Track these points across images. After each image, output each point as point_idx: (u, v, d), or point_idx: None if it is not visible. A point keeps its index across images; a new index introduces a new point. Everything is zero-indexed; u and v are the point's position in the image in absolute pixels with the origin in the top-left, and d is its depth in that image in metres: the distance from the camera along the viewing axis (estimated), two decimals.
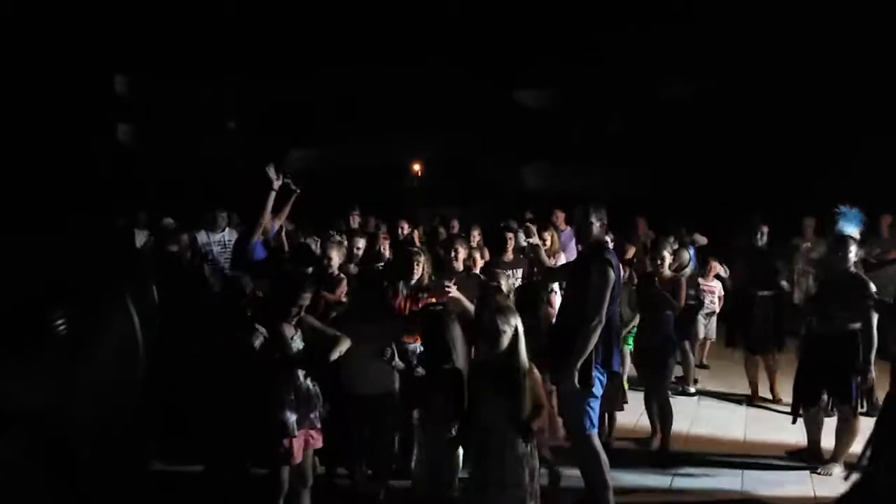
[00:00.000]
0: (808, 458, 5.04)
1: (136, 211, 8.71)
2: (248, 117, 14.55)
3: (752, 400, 6.39)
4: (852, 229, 5.31)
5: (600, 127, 14.60)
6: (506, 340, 3.26)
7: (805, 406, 4.97)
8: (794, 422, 5.13)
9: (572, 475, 4.25)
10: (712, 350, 7.60)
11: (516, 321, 3.29)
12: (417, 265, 4.69)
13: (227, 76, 12.99)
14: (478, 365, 3.57)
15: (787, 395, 5.62)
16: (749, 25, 12.19)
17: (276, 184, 4.95)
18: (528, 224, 5.21)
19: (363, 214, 8.74)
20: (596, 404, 3.99)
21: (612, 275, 3.87)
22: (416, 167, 17.76)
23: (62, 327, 2.90)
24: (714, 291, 7.17)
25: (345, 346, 3.64)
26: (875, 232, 7.85)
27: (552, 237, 6.83)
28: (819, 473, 4.83)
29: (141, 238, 6.69)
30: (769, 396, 6.39)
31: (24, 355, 2.80)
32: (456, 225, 8.76)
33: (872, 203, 8.21)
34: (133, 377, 3.07)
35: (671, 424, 5.14)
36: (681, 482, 4.71)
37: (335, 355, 3.60)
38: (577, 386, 3.85)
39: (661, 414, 5.19)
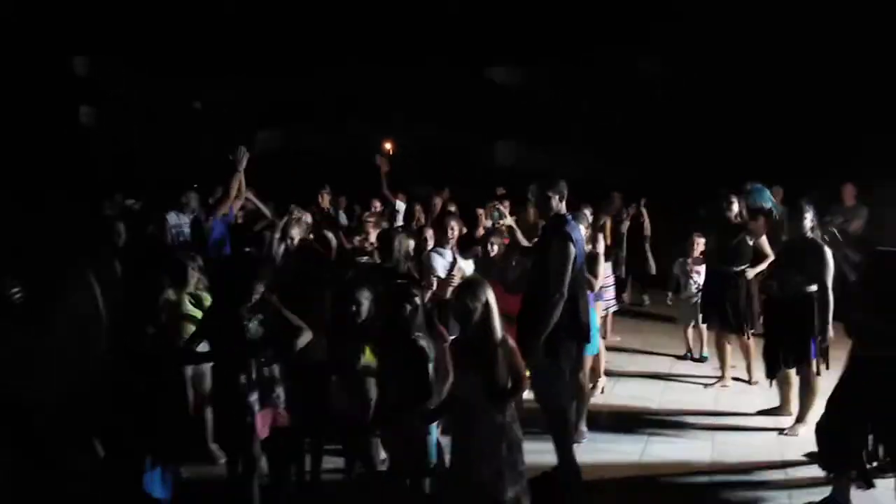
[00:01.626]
0: (779, 413, 5.27)
1: (109, 193, 8.48)
2: (215, 98, 14.25)
3: (720, 380, 6.14)
4: (765, 202, 5.98)
5: (573, 104, 14.63)
6: (476, 316, 3.25)
7: (771, 369, 5.15)
8: (770, 385, 5.33)
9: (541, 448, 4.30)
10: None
11: (485, 295, 3.27)
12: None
13: (193, 55, 12.68)
14: (454, 341, 3.57)
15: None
16: (724, 7, 12.26)
17: (242, 165, 4.90)
18: (498, 205, 5.12)
19: (334, 194, 8.66)
20: (566, 379, 4.05)
21: (571, 249, 3.88)
22: (388, 146, 17.60)
23: (17, 296, 2.84)
24: (700, 272, 6.64)
25: (306, 337, 3.60)
26: (837, 200, 8.07)
27: (528, 211, 6.86)
28: (786, 434, 4.98)
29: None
30: (744, 377, 6.15)
31: None
32: (438, 203, 8.69)
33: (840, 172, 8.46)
34: (94, 351, 3.01)
35: None
36: (653, 450, 4.81)
37: (298, 346, 3.56)
38: (545, 358, 3.89)
39: None
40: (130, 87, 12.17)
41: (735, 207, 5.88)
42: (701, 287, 6.43)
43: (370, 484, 3.83)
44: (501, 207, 5.16)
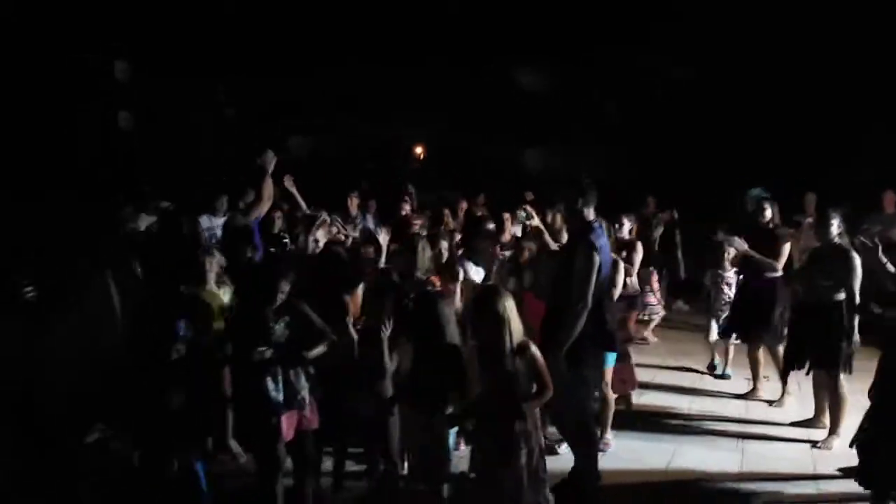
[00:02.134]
0: (812, 425, 5.18)
1: (142, 195, 8.70)
2: (246, 106, 14.50)
3: (753, 391, 6.00)
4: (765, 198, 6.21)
5: (599, 108, 14.55)
6: (491, 323, 3.21)
7: (787, 371, 5.23)
8: (782, 393, 5.48)
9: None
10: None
11: (501, 302, 3.22)
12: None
13: (224, 62, 12.95)
14: (474, 349, 3.58)
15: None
16: (745, 9, 12.12)
17: (270, 168, 5.00)
18: (527, 207, 5.03)
19: (363, 198, 8.73)
20: (590, 387, 4.02)
21: (596, 258, 3.82)
22: (419, 150, 17.74)
23: (30, 294, 2.89)
24: (732, 283, 6.43)
25: (327, 343, 3.60)
26: (877, 208, 7.87)
27: (555, 217, 6.81)
28: (819, 448, 4.86)
29: (146, 221, 6.72)
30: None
31: None
32: (463, 207, 8.73)
33: (875, 182, 8.28)
34: (109, 347, 3.05)
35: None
36: (680, 459, 4.73)
37: (314, 353, 3.56)
38: (568, 368, 3.84)
39: None
40: (168, 92, 12.47)
41: (768, 213, 5.84)
42: (730, 299, 6.31)
43: (390, 488, 3.84)
44: (529, 208, 5.05)
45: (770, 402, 5.81)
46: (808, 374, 5.11)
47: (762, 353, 5.96)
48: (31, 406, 2.61)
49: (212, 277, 4.21)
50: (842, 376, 4.81)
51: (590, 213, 3.97)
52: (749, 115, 12.05)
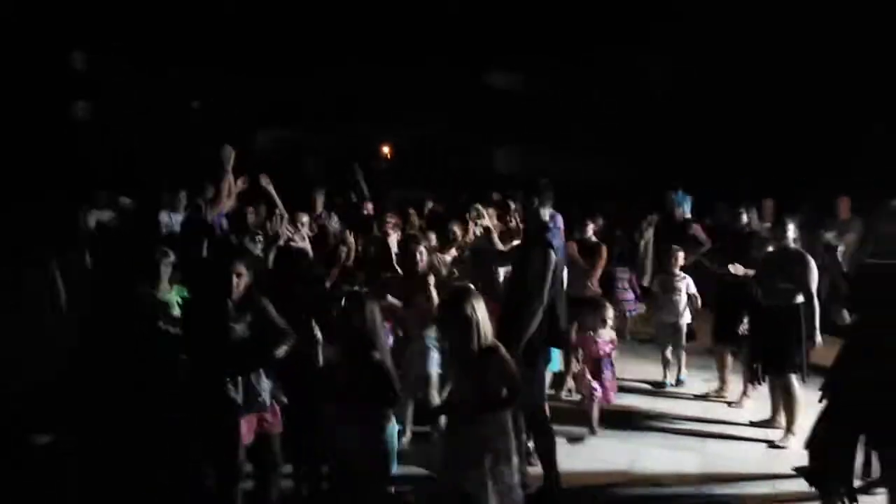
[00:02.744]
0: (770, 425, 5.26)
1: (93, 190, 8.45)
2: (213, 97, 14.22)
3: (721, 391, 6.03)
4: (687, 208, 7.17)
5: (574, 111, 14.62)
6: (460, 326, 3.16)
7: (753, 375, 5.28)
8: (743, 393, 5.59)
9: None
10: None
11: (470, 304, 3.17)
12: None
13: (193, 54, 12.67)
14: (445, 351, 3.56)
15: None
16: (745, 9, 12.25)
17: (228, 165, 4.92)
18: (478, 206, 4.96)
19: (332, 195, 8.58)
20: (543, 383, 4.08)
21: (552, 256, 3.88)
22: (386, 150, 17.63)
23: None
24: (682, 289, 6.21)
25: (289, 343, 3.52)
26: (832, 214, 8.08)
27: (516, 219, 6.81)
28: (778, 446, 4.97)
29: (96, 217, 6.50)
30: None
31: None
32: (430, 207, 8.68)
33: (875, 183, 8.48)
34: (56, 341, 2.94)
35: None
36: (641, 459, 4.77)
37: (280, 353, 3.48)
38: (524, 366, 3.83)
39: None
40: (128, 83, 12.16)
41: (744, 218, 6.15)
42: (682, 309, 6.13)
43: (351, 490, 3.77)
44: (480, 207, 4.99)
45: (730, 403, 5.91)
46: (763, 376, 5.21)
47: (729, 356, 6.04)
48: None
49: (165, 277, 4.11)
50: (793, 377, 4.93)
51: (545, 214, 4.03)
52: (747, 116, 12.19)
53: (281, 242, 4.76)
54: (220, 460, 3.52)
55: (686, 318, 6.25)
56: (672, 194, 7.91)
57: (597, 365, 5.17)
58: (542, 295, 3.84)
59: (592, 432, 5.08)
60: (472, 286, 3.54)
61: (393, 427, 3.39)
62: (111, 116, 11.95)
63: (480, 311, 3.20)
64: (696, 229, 7.22)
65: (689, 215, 7.75)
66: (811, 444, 3.88)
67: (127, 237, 5.33)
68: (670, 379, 6.34)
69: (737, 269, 5.50)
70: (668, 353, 6.36)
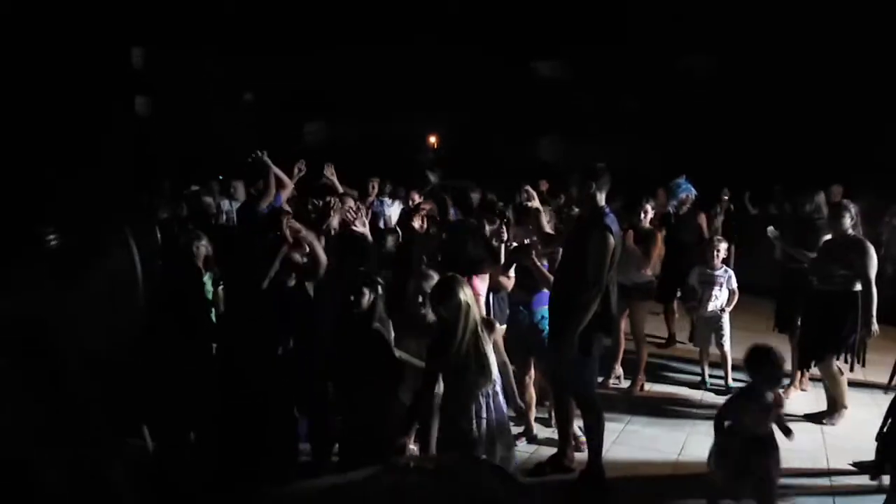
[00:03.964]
0: (828, 416, 5.15)
1: (158, 181, 8.78)
2: (265, 91, 14.58)
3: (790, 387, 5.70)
4: (687, 192, 6.77)
5: (616, 100, 14.43)
6: (453, 312, 3.23)
7: (803, 362, 5.25)
8: (801, 380, 5.57)
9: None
10: None
11: (463, 292, 3.25)
12: None
13: (243, 49, 13.01)
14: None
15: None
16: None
17: (266, 161, 5.12)
18: (528, 188, 4.84)
19: (383, 184, 8.70)
20: (595, 369, 4.07)
21: (611, 240, 3.82)
22: (432, 139, 17.73)
23: (52, 241, 2.91)
24: (723, 283, 5.91)
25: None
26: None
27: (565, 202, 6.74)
28: (826, 423, 4.99)
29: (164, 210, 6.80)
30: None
31: (13, 265, 2.80)
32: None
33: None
34: (130, 312, 3.06)
35: None
36: (691, 449, 4.71)
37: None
38: (578, 353, 3.87)
39: None
40: (185, 78, 12.58)
41: (808, 206, 5.70)
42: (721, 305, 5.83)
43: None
44: (530, 189, 4.86)
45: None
46: (818, 361, 5.09)
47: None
48: (54, 357, 2.63)
49: (199, 261, 4.26)
50: (833, 359, 4.90)
51: (601, 199, 3.97)
52: (771, 108, 11.93)
53: (335, 226, 4.82)
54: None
55: (727, 316, 5.85)
56: (678, 181, 7.16)
57: None
58: (601, 280, 3.78)
59: None
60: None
61: None
62: (169, 111, 12.40)
63: (471, 297, 3.32)
64: (701, 219, 6.98)
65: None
66: (880, 438, 3.78)
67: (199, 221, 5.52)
68: (710, 379, 5.95)
69: (805, 255, 5.27)
70: (710, 350, 5.97)
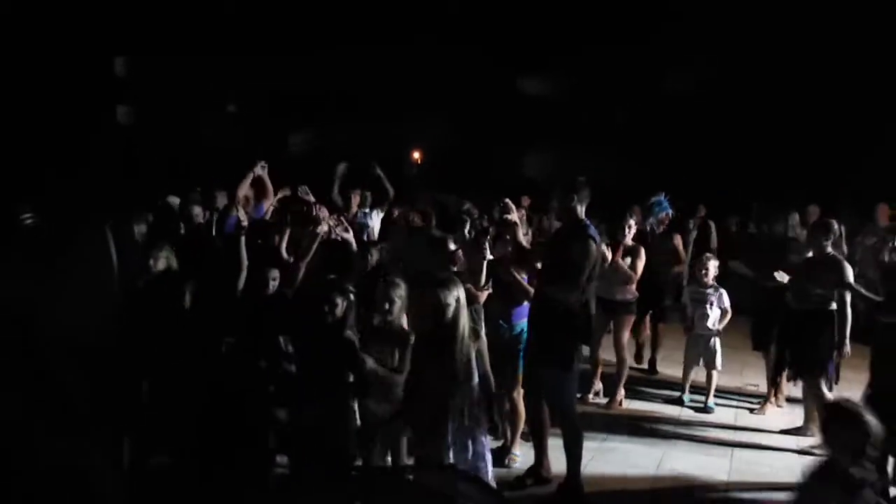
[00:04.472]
0: (802, 433, 5.20)
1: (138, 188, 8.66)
2: (249, 100, 14.54)
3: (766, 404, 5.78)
4: (666, 212, 6.58)
5: (604, 116, 14.59)
6: (450, 312, 3.22)
7: (775, 378, 5.34)
8: (776, 397, 5.65)
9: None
10: None
11: (459, 292, 3.26)
12: None
13: (227, 57, 12.99)
14: (417, 336, 3.54)
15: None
16: (751, 17, 12.20)
17: (257, 170, 5.12)
18: (506, 201, 4.81)
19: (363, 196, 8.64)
20: (575, 383, 4.09)
21: (594, 249, 3.86)
22: (416, 155, 17.76)
23: (28, 221, 2.86)
24: (714, 302, 5.84)
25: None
26: (871, 219, 7.94)
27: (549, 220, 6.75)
28: (813, 454, 4.90)
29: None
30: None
31: None
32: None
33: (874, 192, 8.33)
34: (105, 300, 3.00)
35: None
36: (668, 463, 4.74)
37: None
38: (559, 367, 3.90)
39: None
40: (167, 87, 12.52)
41: (786, 224, 5.99)
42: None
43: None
44: (508, 202, 4.83)
45: (752, 410, 5.83)
46: (794, 382, 5.22)
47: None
48: (31, 342, 2.57)
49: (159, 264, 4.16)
50: (823, 382, 4.89)
51: (581, 212, 4.03)
52: (760, 119, 12.09)
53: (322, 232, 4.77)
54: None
55: (717, 336, 5.78)
56: (657, 199, 6.87)
57: None
58: (578, 285, 3.80)
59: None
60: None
61: None
62: (152, 120, 12.32)
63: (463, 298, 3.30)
64: (677, 240, 6.71)
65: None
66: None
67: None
68: (688, 397, 5.92)
69: (781, 276, 5.27)
70: (694, 370, 5.91)
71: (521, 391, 4.53)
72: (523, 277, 4.45)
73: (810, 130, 11.69)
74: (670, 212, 6.78)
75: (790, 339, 5.14)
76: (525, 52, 14.53)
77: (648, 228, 6.81)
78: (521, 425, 4.61)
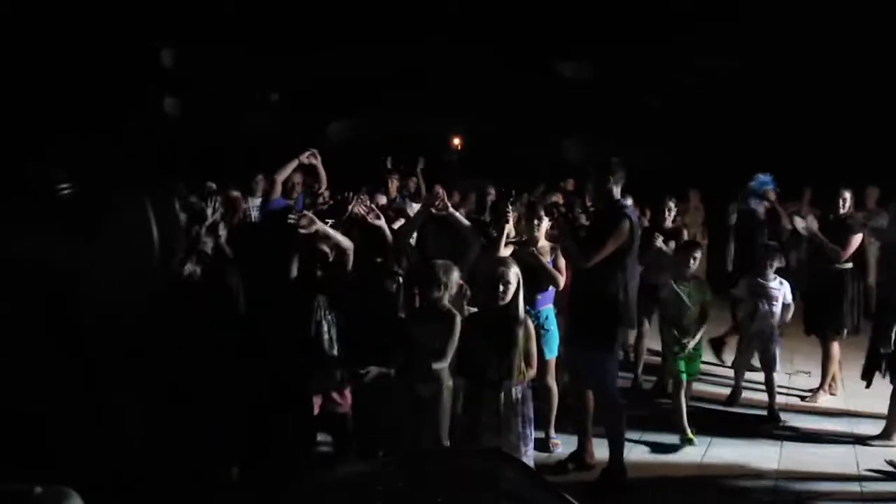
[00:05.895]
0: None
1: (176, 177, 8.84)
2: (290, 91, 14.73)
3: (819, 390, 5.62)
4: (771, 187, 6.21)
5: (640, 100, 14.33)
6: (510, 292, 3.28)
7: (867, 372, 4.81)
8: (820, 387, 5.54)
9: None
10: None
11: (518, 272, 3.34)
12: None
13: (270, 51, 13.15)
14: (475, 315, 3.61)
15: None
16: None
17: (303, 158, 5.17)
18: (509, 208, 4.53)
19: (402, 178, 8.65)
20: (617, 365, 4.07)
21: (626, 226, 3.78)
22: (456, 141, 17.73)
23: (66, 190, 2.86)
24: (779, 296, 5.32)
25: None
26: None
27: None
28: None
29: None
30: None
31: (27, 205, 2.79)
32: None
33: None
34: (144, 273, 2.99)
35: None
36: (715, 451, 4.63)
37: None
38: (600, 348, 3.88)
39: None
40: (214, 78, 12.76)
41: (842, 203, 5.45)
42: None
43: None
44: (511, 209, 4.58)
45: (802, 398, 5.63)
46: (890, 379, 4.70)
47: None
48: (66, 313, 2.59)
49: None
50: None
51: (617, 193, 3.98)
52: (792, 108, 11.72)
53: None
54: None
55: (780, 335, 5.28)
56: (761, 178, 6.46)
57: None
58: (591, 258, 3.75)
59: None
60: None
61: None
62: (199, 111, 12.56)
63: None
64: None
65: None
66: None
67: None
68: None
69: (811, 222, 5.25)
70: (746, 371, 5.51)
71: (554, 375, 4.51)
72: (549, 262, 4.38)
73: (858, 111, 11.22)
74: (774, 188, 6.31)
75: (884, 332, 4.62)
76: (562, 34, 14.31)
77: (753, 207, 6.56)
78: (555, 409, 4.57)
